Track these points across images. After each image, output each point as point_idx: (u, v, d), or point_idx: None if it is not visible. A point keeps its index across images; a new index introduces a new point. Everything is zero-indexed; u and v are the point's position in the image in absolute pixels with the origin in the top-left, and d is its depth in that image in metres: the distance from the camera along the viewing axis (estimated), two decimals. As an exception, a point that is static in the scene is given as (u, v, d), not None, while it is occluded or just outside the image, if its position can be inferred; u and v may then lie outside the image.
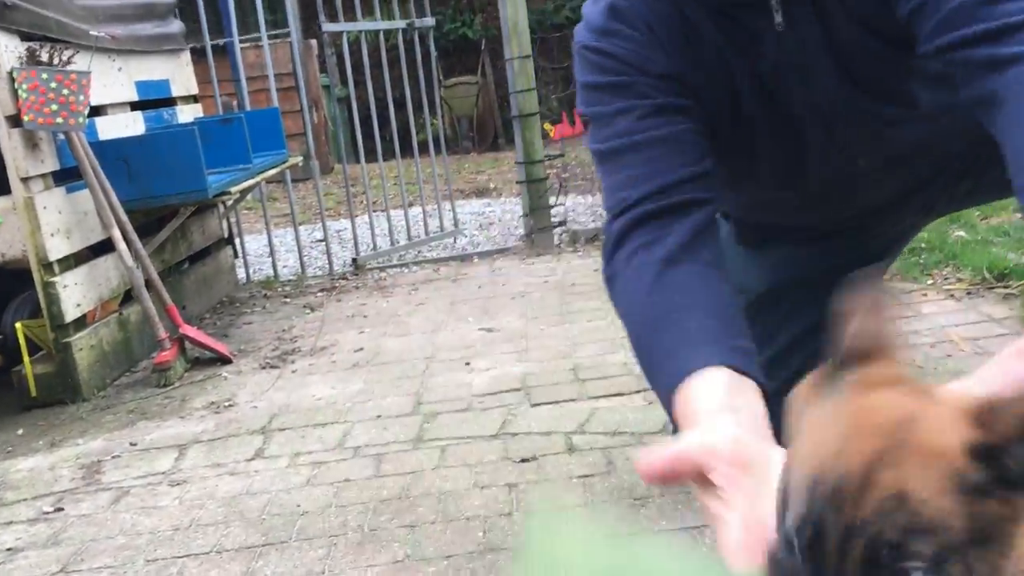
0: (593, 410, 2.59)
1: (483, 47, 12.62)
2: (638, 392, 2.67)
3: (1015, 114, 1.06)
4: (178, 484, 2.43)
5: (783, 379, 0.84)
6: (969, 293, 3.17)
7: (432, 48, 5.61)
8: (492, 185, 8.17)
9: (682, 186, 1.26)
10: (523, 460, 2.32)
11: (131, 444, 2.78)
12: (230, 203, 4.43)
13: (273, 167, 4.27)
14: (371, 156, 5.83)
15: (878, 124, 1.54)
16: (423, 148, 5.71)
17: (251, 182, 3.94)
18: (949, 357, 2.60)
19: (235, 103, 5.93)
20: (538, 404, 2.70)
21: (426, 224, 5.53)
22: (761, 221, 1.90)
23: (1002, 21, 1.08)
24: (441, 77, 12.35)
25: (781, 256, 1.92)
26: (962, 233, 3.72)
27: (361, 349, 3.52)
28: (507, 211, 6.35)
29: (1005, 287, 3.11)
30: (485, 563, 1.85)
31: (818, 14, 1.36)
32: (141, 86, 4.07)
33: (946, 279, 3.36)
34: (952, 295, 3.19)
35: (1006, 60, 1.08)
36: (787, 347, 1.99)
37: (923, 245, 3.69)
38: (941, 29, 1.16)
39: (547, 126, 11.57)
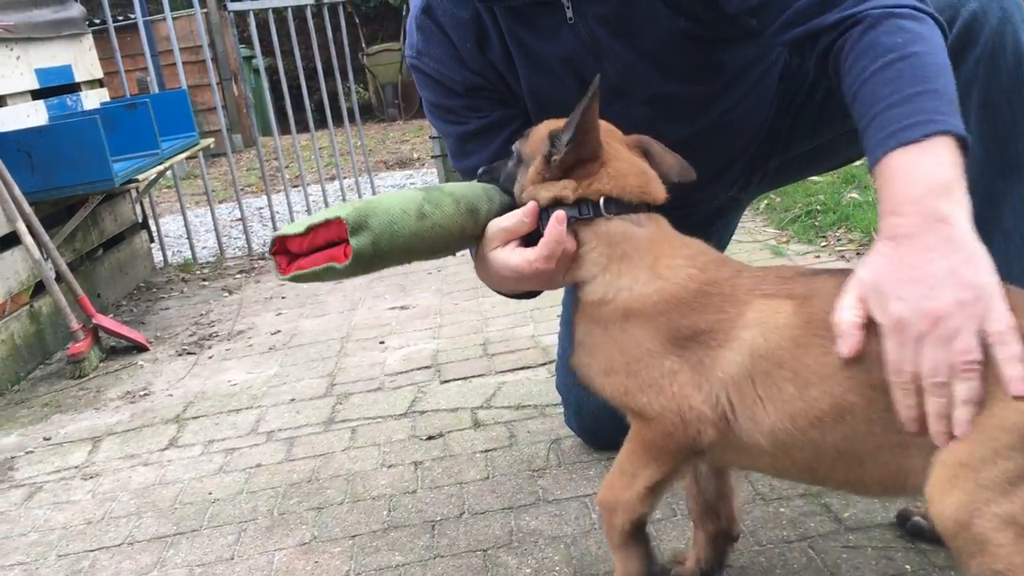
0: (500, 384, 2.69)
1: (404, 13, 12.50)
2: (543, 365, 2.77)
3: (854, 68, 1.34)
4: (91, 477, 2.47)
5: None
6: (858, 253, 3.33)
7: (342, 20, 5.56)
8: (416, 155, 8.17)
9: None
10: (429, 437, 2.40)
11: (45, 438, 2.80)
12: (141, 188, 4.39)
13: (183, 151, 4.25)
14: (296, 128, 5.79)
15: (677, 102, 1.74)
16: (347, 118, 5.69)
17: (160, 168, 3.92)
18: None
19: (148, 79, 5.84)
20: (447, 381, 2.79)
21: (345, 199, 5.54)
22: None
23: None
24: (364, 45, 12.23)
25: None
26: (855, 195, 3.89)
27: (278, 332, 3.56)
28: (428, 183, 6.39)
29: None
30: (388, 540, 1.93)
31: (616, 2, 1.59)
32: (42, 73, 4.01)
33: (839, 240, 3.52)
34: (843, 256, 3.35)
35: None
36: None
37: (819, 208, 3.85)
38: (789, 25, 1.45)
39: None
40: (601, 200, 1.40)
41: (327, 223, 1.33)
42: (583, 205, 1.41)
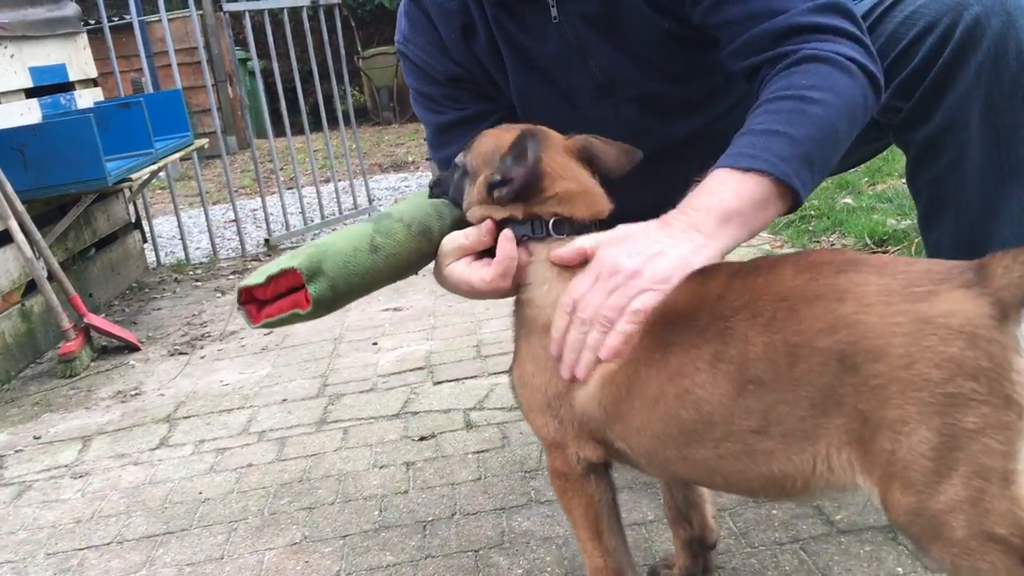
0: (493, 386, 2.68)
1: (400, 16, 12.48)
2: (536, 367, 2.76)
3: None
4: (81, 476, 2.45)
5: None
6: (852, 259, 3.33)
7: (338, 23, 5.56)
8: (411, 158, 8.16)
9: None
10: (422, 438, 2.40)
11: (35, 437, 2.78)
12: (135, 188, 4.38)
13: (177, 151, 4.23)
14: (291, 131, 5.78)
15: (666, 102, 1.75)
16: (343, 121, 5.69)
17: (154, 167, 3.91)
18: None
19: (143, 80, 5.83)
20: (440, 382, 2.78)
21: (339, 201, 5.54)
22: None
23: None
24: (360, 48, 12.23)
25: None
26: (848, 200, 3.89)
27: (270, 333, 3.55)
28: (423, 186, 6.38)
29: (884, 251, 3.28)
30: (379, 541, 1.92)
31: (599, 1, 1.60)
32: (36, 72, 4.00)
33: (832, 245, 3.52)
34: (837, 261, 3.35)
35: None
36: None
37: (813, 213, 3.85)
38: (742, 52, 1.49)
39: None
40: (551, 222, 1.38)
41: (284, 273, 1.36)
42: (536, 223, 1.39)
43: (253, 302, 1.40)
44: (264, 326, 1.39)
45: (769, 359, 1.09)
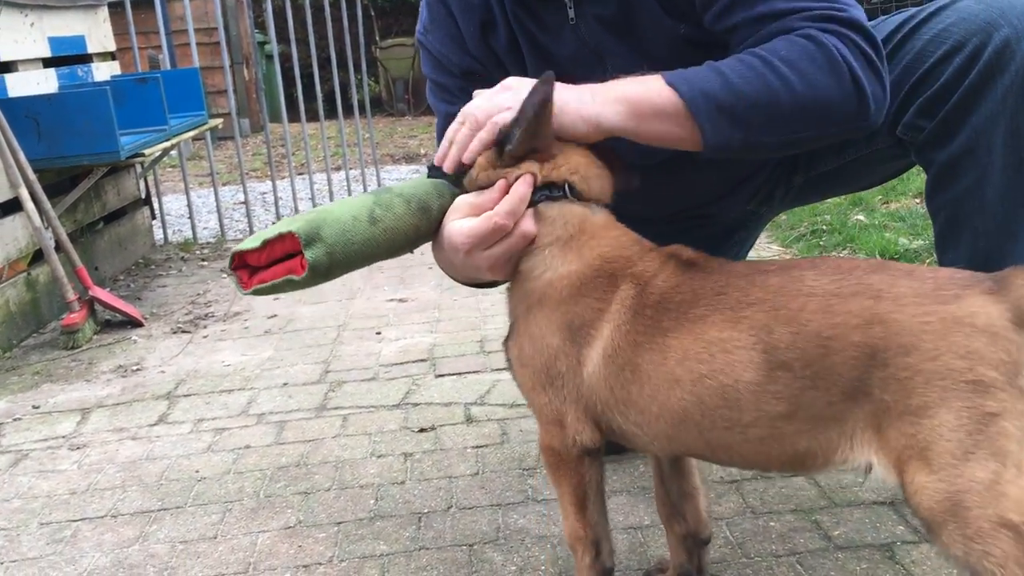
0: (495, 382, 2.67)
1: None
2: (539, 365, 2.75)
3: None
4: (78, 448, 2.45)
5: None
6: (861, 276, 3.31)
7: (359, 12, 5.56)
8: (423, 150, 8.15)
9: None
10: (421, 430, 2.39)
11: (34, 407, 2.78)
12: (146, 164, 4.37)
13: (191, 129, 4.23)
14: (305, 116, 5.78)
15: None
16: (357, 109, 5.68)
17: (167, 144, 3.91)
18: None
19: (160, 57, 5.83)
20: (442, 375, 2.77)
21: (350, 189, 5.53)
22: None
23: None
24: (378, 38, 12.22)
25: None
26: (861, 217, 3.88)
27: (275, 316, 3.54)
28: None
29: (894, 271, 3.26)
30: (374, 530, 1.92)
31: (615, 4, 1.60)
32: (55, 42, 3.99)
33: (842, 261, 3.51)
34: (846, 277, 3.34)
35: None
36: None
37: (824, 228, 3.84)
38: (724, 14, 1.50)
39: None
40: (567, 185, 1.39)
41: (281, 237, 1.34)
42: (553, 188, 1.39)
43: (245, 268, 1.37)
44: (255, 292, 1.37)
45: (798, 348, 1.14)
